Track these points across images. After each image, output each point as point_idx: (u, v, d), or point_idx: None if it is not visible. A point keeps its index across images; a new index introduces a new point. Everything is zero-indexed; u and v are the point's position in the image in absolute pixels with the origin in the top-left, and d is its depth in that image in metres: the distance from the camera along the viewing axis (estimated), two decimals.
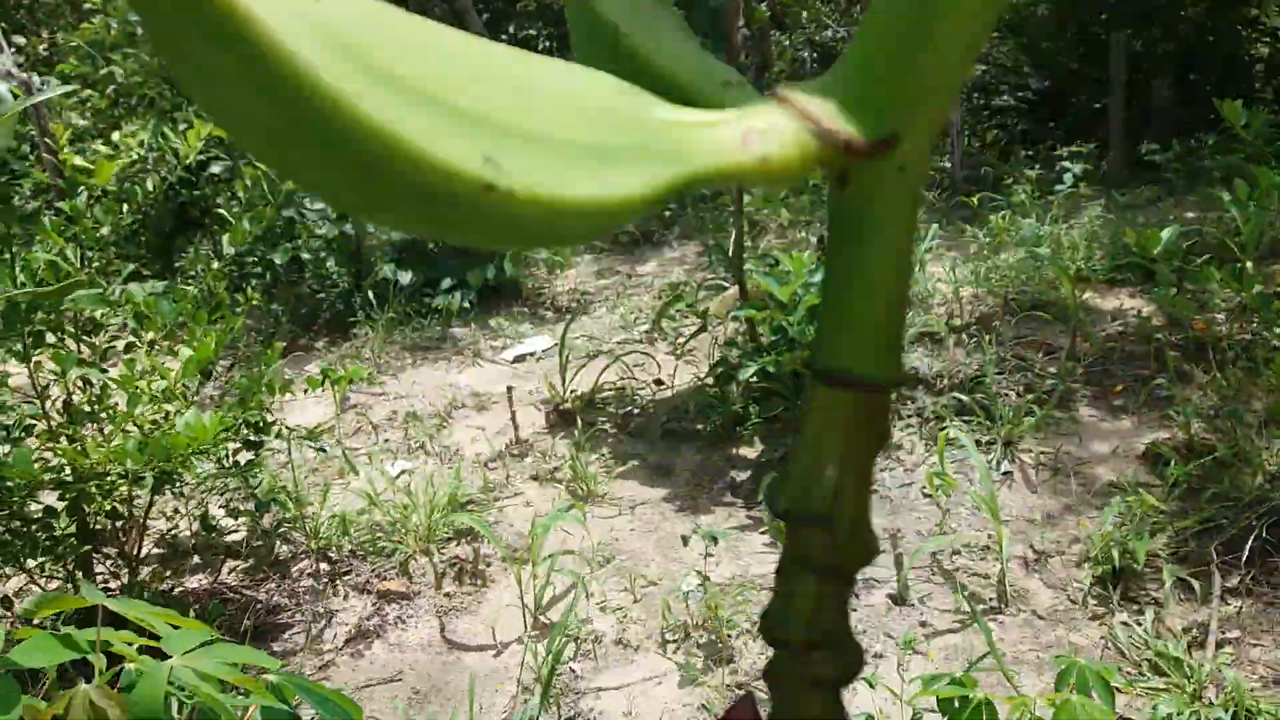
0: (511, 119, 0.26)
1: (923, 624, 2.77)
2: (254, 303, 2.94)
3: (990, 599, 2.84)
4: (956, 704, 1.92)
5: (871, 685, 2.36)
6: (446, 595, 3.23)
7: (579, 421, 4.14)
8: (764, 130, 0.28)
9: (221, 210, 3.76)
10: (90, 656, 1.07)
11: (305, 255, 5.10)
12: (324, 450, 3.18)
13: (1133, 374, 3.89)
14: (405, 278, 5.34)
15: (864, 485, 0.33)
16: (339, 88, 0.22)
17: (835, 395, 0.32)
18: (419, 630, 3.09)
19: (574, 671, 2.82)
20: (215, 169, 5.04)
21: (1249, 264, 4.06)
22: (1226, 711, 2.27)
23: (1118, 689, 2.44)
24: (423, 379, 4.96)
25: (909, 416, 3.89)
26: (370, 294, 5.41)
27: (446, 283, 5.57)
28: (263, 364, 2.55)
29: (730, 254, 4.35)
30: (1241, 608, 2.68)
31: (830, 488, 0.32)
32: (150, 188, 2.92)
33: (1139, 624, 2.65)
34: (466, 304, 5.54)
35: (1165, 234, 3.67)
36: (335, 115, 0.22)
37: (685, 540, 3.15)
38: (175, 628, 1.11)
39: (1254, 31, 8.51)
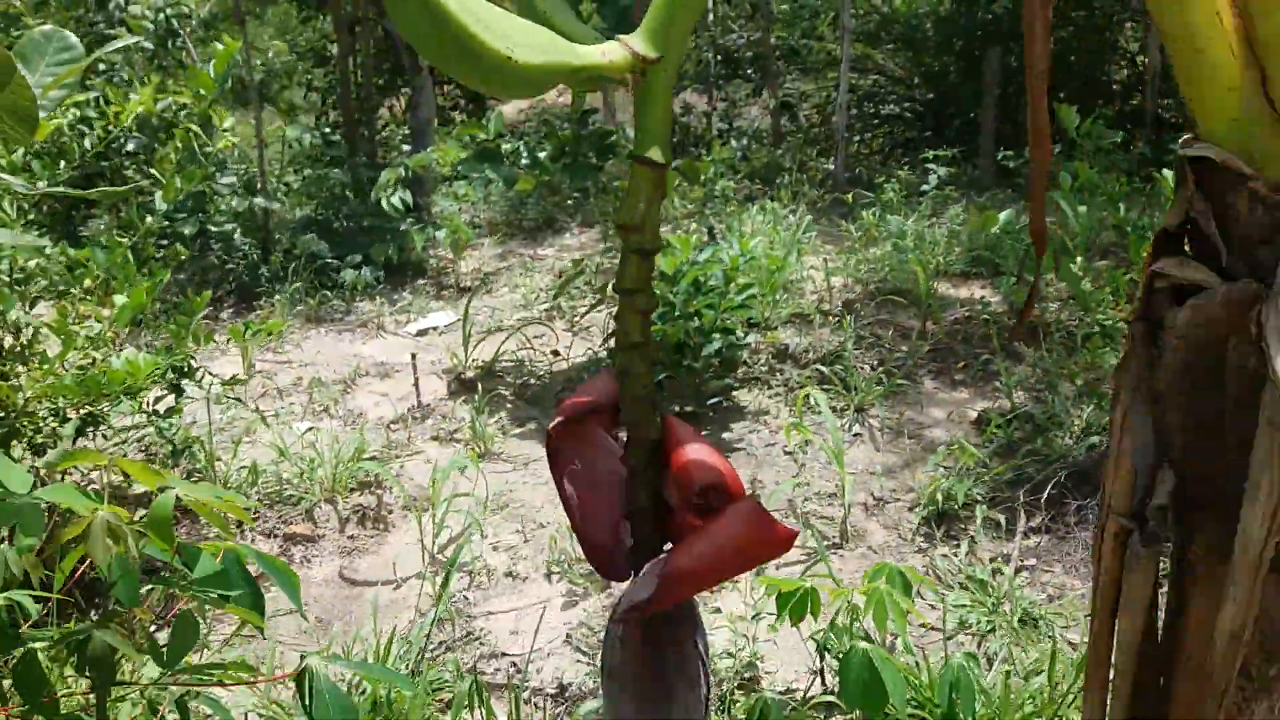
0: (515, 37, 0.64)
1: None
2: (182, 257, 3.16)
3: (834, 536, 3.27)
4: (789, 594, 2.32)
5: (719, 611, 2.76)
6: (350, 538, 3.51)
7: (479, 388, 4.45)
8: (610, 51, 0.67)
9: (135, 180, 3.94)
10: (101, 507, 1.37)
11: (213, 228, 5.27)
12: (240, 400, 3.42)
13: (973, 353, 4.40)
14: (321, 247, 5.54)
15: (655, 212, 0.71)
16: (463, 20, 0.60)
17: (642, 170, 0.70)
18: (323, 568, 3.37)
19: (467, 599, 3.14)
20: (130, 146, 5.16)
21: (1078, 259, 4.62)
22: (1016, 618, 2.73)
23: (933, 606, 2.89)
24: (327, 349, 5.20)
25: (777, 386, 4.32)
26: (277, 267, 5.60)
27: (355, 258, 5.80)
28: (189, 312, 2.80)
29: None
30: (1040, 542, 3.17)
31: (641, 211, 0.71)
32: (89, 146, 3.12)
33: (955, 555, 3.10)
34: (373, 280, 5.78)
35: (1003, 216, 4.19)
36: (461, 33, 0.60)
37: None
38: None
39: (1113, 55, 9.28)
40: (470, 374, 4.73)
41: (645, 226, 0.74)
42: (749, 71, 10.85)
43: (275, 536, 3.52)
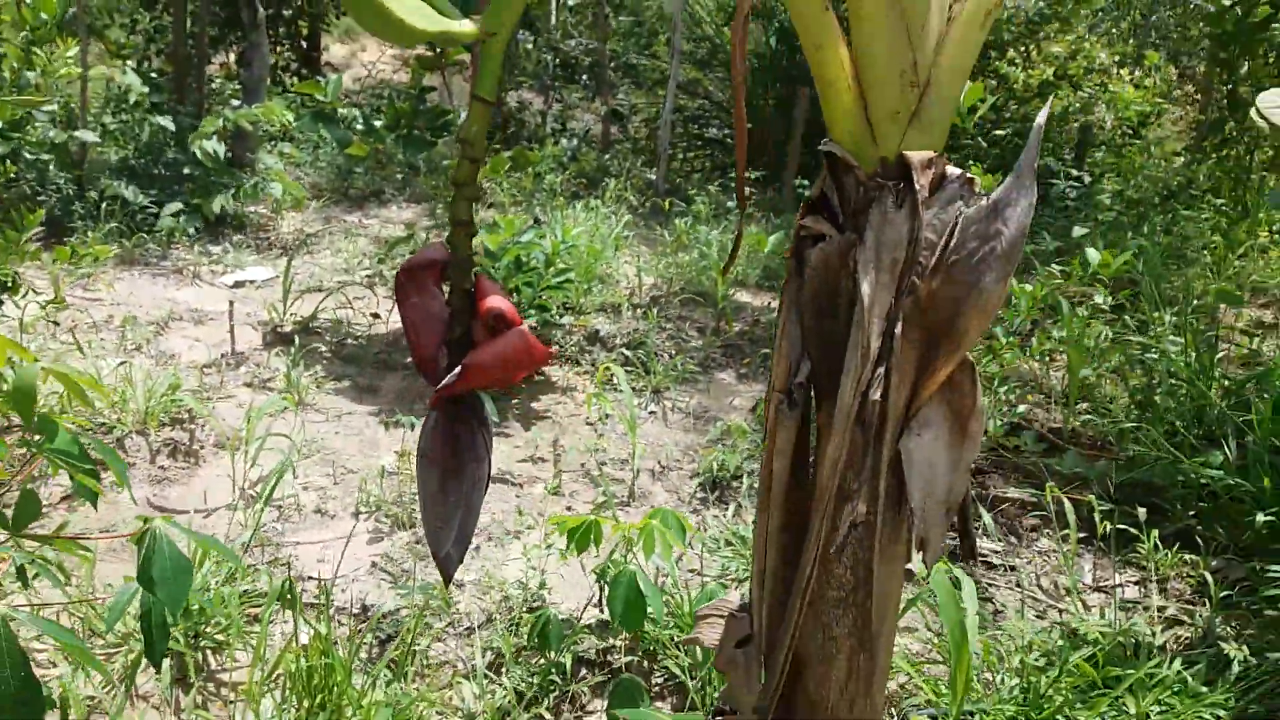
0: (410, 5, 0.95)
1: (568, 509, 3.54)
2: (12, 174, 3.18)
3: (623, 495, 3.66)
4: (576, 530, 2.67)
5: (519, 537, 3.08)
6: (161, 468, 3.61)
7: (296, 341, 4.58)
8: (465, 24, 0.99)
9: None
10: None
11: (28, 154, 5.13)
12: (57, 323, 3.45)
13: (757, 352, 4.92)
14: (133, 194, 5.48)
15: (482, 133, 1.03)
16: None
17: (476, 104, 1.03)
18: (134, 493, 3.45)
19: (277, 529, 3.32)
20: None
21: None
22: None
23: (700, 557, 3.32)
24: (140, 291, 5.16)
25: (585, 365, 4.69)
26: (92, 205, 5.49)
27: (174, 205, 5.75)
28: (19, 228, 2.86)
29: None
30: None
31: (473, 131, 1.04)
32: None
33: (724, 515, 3.56)
34: (192, 229, 5.75)
35: (771, 239, 4.74)
36: (378, 3, 0.91)
37: (386, 426, 3.74)
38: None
39: None
40: (287, 328, 4.84)
41: (475, 142, 1.09)
42: (584, 78, 11.26)
43: (36, 538, 3.56)
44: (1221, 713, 2.65)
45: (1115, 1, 12.37)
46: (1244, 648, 2.80)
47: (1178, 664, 2.74)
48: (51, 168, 5.45)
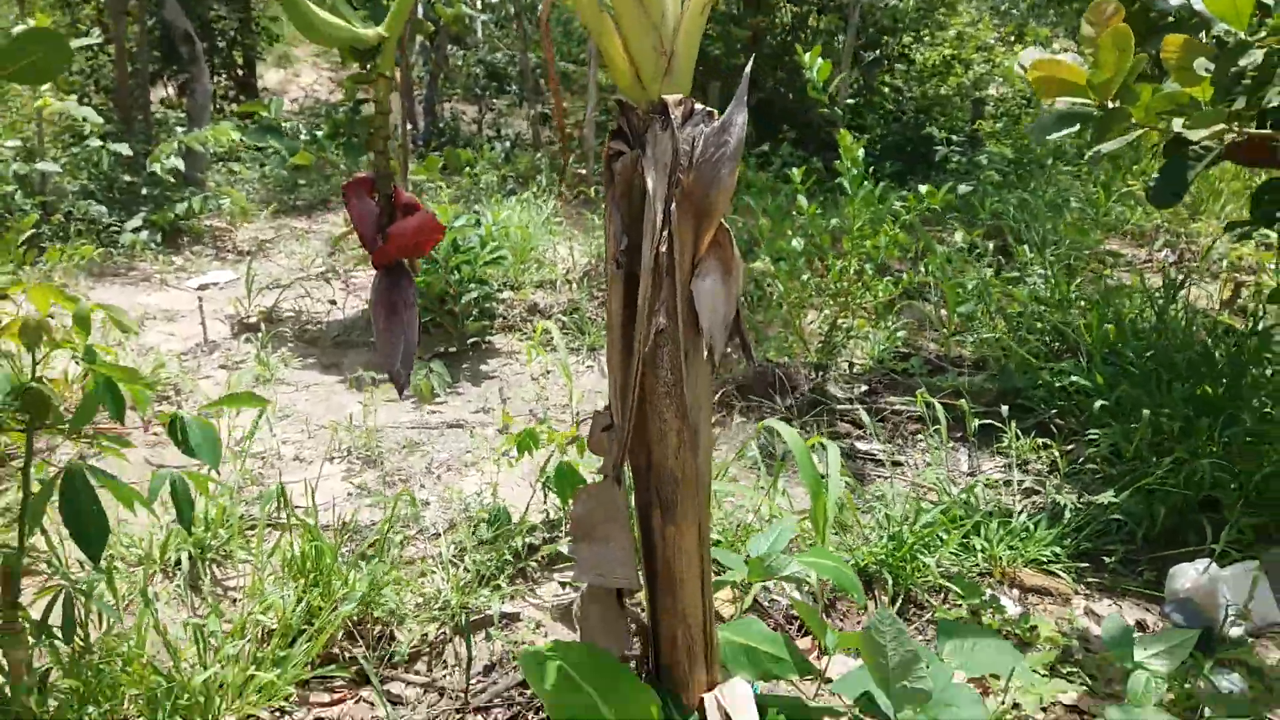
0: (331, 22, 1.51)
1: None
2: None
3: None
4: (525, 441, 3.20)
5: (474, 465, 3.61)
6: (155, 434, 4.07)
7: (262, 328, 5.06)
8: (371, 33, 1.54)
9: None
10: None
11: None
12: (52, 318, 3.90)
13: None
14: (103, 212, 5.93)
15: (385, 97, 1.58)
16: (305, 10, 1.46)
17: (380, 78, 1.58)
18: (134, 456, 3.91)
19: (261, 474, 3.82)
20: None
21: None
22: None
23: None
24: (112, 298, 5.60)
25: (528, 332, 5.23)
26: (57, 227, 5.92)
27: (135, 221, 6.20)
28: (16, 230, 3.33)
29: None
30: (713, 434, 4.23)
31: (381, 95, 1.59)
32: None
33: None
34: (154, 242, 6.20)
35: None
36: (306, 15, 1.47)
37: (350, 384, 4.24)
38: None
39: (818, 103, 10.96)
40: (253, 318, 5.32)
41: (381, 100, 1.62)
42: (514, 88, 11.81)
43: (86, 438, 4.01)
44: (1058, 549, 3.26)
45: None
46: (1072, 495, 3.41)
47: (1024, 517, 3.35)
48: (18, 196, 5.88)
